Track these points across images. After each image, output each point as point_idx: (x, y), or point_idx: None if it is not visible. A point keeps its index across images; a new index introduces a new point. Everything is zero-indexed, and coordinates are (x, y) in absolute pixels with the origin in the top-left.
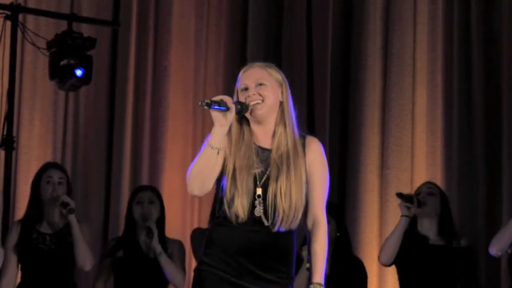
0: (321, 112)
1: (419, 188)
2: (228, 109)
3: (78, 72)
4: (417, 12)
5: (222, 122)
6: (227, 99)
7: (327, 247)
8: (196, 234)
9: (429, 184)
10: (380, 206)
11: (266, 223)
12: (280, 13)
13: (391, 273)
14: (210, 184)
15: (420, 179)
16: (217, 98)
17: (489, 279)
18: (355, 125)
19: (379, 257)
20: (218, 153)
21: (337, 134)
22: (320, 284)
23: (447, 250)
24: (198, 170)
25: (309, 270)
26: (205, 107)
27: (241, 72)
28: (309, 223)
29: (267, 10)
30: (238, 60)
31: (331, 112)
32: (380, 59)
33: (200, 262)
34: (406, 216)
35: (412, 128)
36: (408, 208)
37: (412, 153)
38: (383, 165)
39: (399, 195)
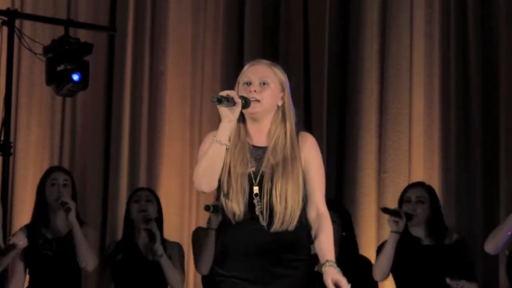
0: (318, 116)
1: (407, 191)
2: (235, 104)
3: (75, 77)
4: (414, 16)
5: (230, 118)
6: (233, 94)
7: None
8: (199, 233)
9: (418, 191)
10: (377, 210)
11: (262, 223)
12: (277, 18)
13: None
14: (217, 180)
15: None
16: (223, 93)
17: (486, 281)
18: (353, 128)
19: (373, 275)
20: (226, 148)
21: (334, 137)
22: (333, 261)
23: (438, 249)
24: (207, 167)
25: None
26: (216, 102)
27: (247, 66)
28: (312, 217)
29: (264, 16)
30: (235, 65)
31: (328, 116)
32: (377, 62)
33: (215, 273)
34: (396, 232)
35: (409, 132)
36: (397, 222)
37: (410, 157)
38: (381, 169)
39: (385, 210)
